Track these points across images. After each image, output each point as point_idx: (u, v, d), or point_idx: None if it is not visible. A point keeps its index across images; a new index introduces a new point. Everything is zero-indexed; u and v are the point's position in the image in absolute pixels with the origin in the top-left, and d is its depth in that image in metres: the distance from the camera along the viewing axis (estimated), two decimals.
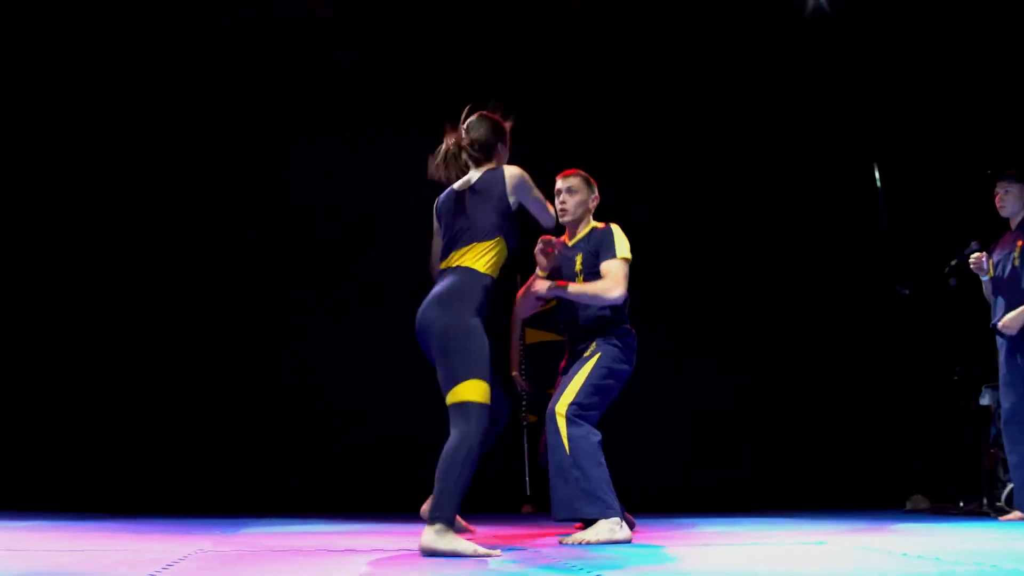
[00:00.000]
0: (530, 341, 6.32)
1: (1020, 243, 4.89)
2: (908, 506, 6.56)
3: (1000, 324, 4.80)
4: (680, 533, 4.21)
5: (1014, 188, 4.98)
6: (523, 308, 4.29)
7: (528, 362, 6.17)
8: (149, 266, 6.67)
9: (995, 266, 5.01)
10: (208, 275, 6.75)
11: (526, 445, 6.12)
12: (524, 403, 6.16)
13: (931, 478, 6.65)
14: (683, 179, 7.36)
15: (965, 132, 6.41)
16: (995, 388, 5.66)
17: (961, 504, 5.73)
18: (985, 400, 5.79)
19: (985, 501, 5.44)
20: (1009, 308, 4.86)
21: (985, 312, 5.51)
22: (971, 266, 5.07)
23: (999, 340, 4.98)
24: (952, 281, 5.58)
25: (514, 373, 5.98)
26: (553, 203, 3.81)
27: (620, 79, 7.17)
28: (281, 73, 6.85)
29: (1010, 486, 5.30)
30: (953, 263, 5.49)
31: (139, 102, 6.72)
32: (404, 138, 6.81)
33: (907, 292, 6.63)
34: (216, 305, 6.75)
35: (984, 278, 5.07)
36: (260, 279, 6.84)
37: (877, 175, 7.11)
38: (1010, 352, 4.89)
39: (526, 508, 6.34)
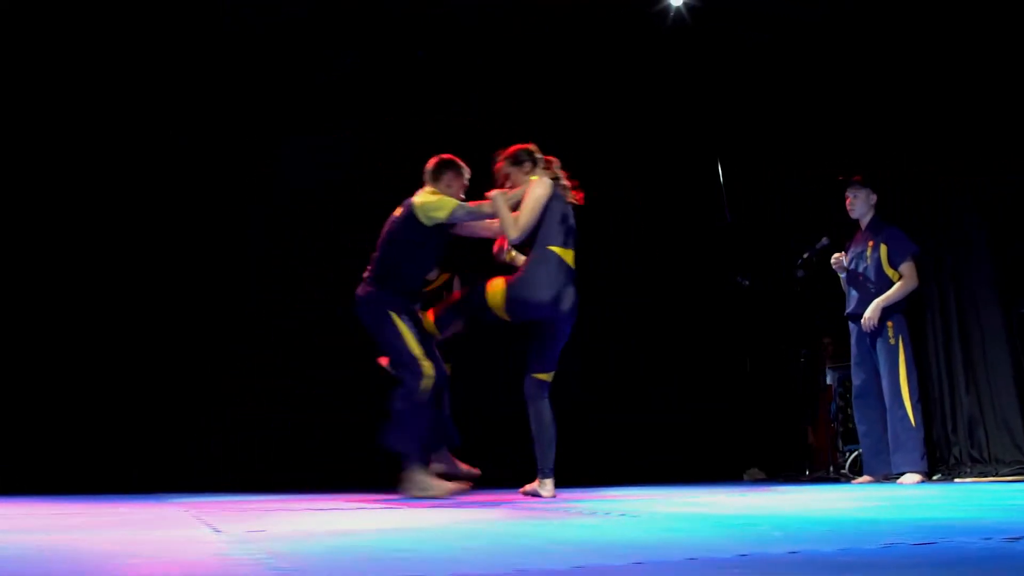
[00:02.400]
0: None
1: (871, 242, 5.60)
2: (746, 477, 7.25)
3: (863, 321, 5.46)
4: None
5: (861, 193, 5.70)
6: None
7: None
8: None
9: (849, 262, 5.71)
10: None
11: None
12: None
13: (763, 452, 7.37)
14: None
15: (806, 133, 7.09)
16: (836, 369, 6.43)
17: (807, 472, 6.44)
18: (828, 379, 6.54)
19: (831, 468, 6.17)
20: (863, 299, 5.57)
21: (828, 301, 6.27)
22: (832, 266, 5.76)
23: (851, 326, 5.69)
24: (799, 273, 6.29)
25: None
26: None
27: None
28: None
29: (852, 454, 6.05)
30: (805, 256, 6.19)
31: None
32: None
33: (747, 283, 7.33)
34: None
35: (842, 275, 5.76)
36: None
37: (720, 171, 7.79)
38: (860, 336, 5.60)
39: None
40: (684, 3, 7.18)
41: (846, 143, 6.55)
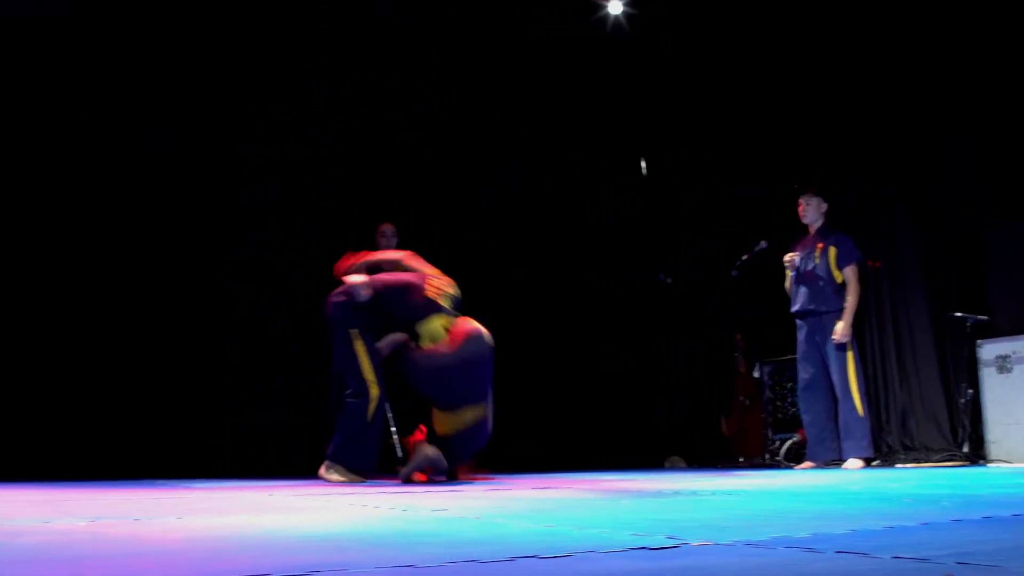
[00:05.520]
0: None
1: (820, 245, 6.04)
2: (667, 465, 7.61)
3: (835, 337, 5.83)
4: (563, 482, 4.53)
5: (814, 201, 6.14)
6: None
7: None
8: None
9: (798, 263, 6.13)
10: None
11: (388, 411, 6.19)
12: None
13: (681, 442, 7.76)
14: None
15: (743, 140, 7.51)
16: (768, 363, 6.86)
17: (741, 459, 6.84)
18: (757, 373, 6.96)
19: (767, 456, 6.59)
20: (810, 296, 6.00)
21: (751, 300, 6.72)
22: (785, 264, 6.15)
23: (799, 323, 6.11)
24: (735, 273, 6.68)
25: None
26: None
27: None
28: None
29: (787, 443, 6.49)
30: (743, 258, 6.59)
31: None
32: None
33: (670, 280, 7.69)
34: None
35: (791, 273, 6.17)
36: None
37: (644, 167, 8.12)
38: (810, 333, 6.03)
39: None
40: (623, 12, 7.50)
41: (783, 152, 6.98)
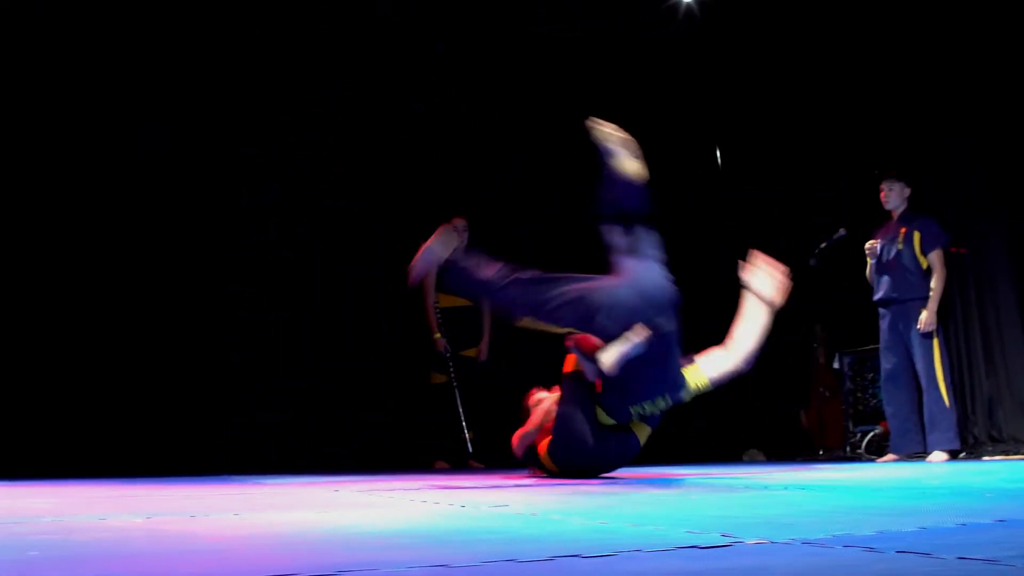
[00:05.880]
0: (444, 305, 6.49)
1: (903, 231, 5.85)
2: (745, 458, 7.46)
3: (920, 326, 5.65)
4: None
5: (896, 186, 5.94)
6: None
7: (445, 325, 6.39)
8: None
9: (880, 250, 5.95)
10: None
11: (460, 406, 6.20)
12: (451, 365, 6.28)
13: (759, 435, 7.60)
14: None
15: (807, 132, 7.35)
16: (848, 353, 6.68)
17: (821, 452, 6.68)
18: (837, 364, 6.78)
19: (848, 448, 6.42)
20: (894, 284, 5.81)
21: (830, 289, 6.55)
22: (866, 251, 5.97)
23: (881, 311, 5.93)
24: (812, 261, 6.50)
25: (436, 336, 6.18)
26: None
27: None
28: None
29: (869, 435, 6.31)
30: (822, 246, 6.41)
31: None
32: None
33: None
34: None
35: (872, 260, 5.98)
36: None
37: (718, 156, 8.00)
38: (893, 322, 5.84)
39: (439, 464, 6.44)
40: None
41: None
